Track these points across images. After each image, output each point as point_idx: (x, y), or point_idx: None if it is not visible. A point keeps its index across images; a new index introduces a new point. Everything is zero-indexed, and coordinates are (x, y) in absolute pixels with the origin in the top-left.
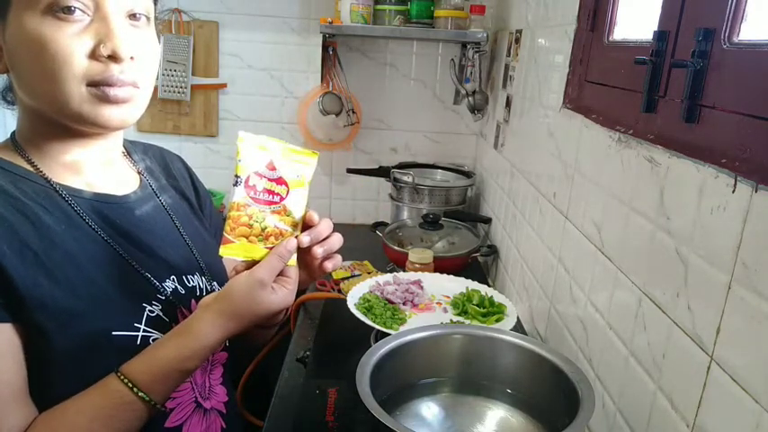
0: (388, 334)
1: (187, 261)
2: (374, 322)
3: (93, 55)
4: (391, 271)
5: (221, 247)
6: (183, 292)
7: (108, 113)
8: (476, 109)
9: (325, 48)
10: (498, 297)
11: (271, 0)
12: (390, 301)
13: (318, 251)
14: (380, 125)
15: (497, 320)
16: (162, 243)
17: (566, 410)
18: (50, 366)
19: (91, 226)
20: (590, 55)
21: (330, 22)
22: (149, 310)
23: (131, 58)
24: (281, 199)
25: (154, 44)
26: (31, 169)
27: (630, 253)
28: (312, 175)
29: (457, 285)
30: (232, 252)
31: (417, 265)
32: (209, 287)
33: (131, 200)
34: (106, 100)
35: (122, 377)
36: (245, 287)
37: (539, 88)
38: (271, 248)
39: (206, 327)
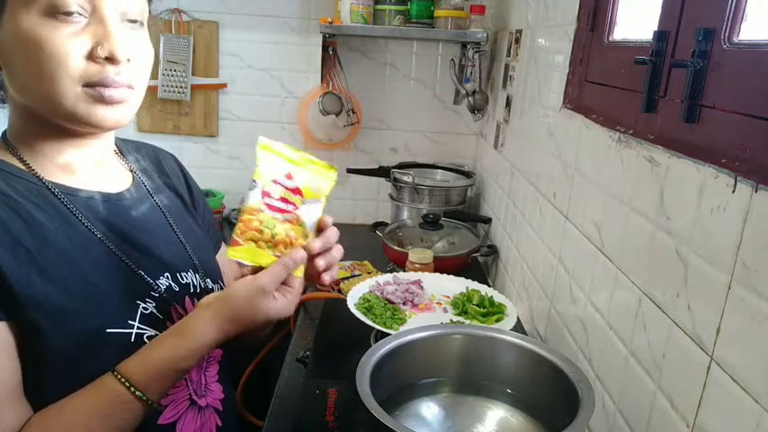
0: (388, 334)
1: (181, 258)
2: (374, 322)
3: (91, 56)
4: (391, 271)
5: (229, 248)
6: (177, 289)
7: (102, 114)
8: (476, 109)
9: (325, 48)
10: (498, 297)
11: (271, 0)
12: (390, 301)
13: (320, 263)
14: (380, 125)
15: (497, 320)
16: (156, 241)
17: (566, 410)
18: (45, 365)
19: (84, 224)
20: (590, 55)
21: (330, 22)
22: (143, 308)
23: (128, 60)
24: (295, 208)
25: (148, 46)
26: (24, 168)
27: (630, 253)
28: (330, 190)
29: (457, 285)
30: (239, 255)
31: (417, 265)
32: (202, 284)
33: (124, 198)
34: (101, 100)
35: (119, 376)
36: (245, 292)
37: (539, 88)
38: (278, 257)
39: (203, 327)
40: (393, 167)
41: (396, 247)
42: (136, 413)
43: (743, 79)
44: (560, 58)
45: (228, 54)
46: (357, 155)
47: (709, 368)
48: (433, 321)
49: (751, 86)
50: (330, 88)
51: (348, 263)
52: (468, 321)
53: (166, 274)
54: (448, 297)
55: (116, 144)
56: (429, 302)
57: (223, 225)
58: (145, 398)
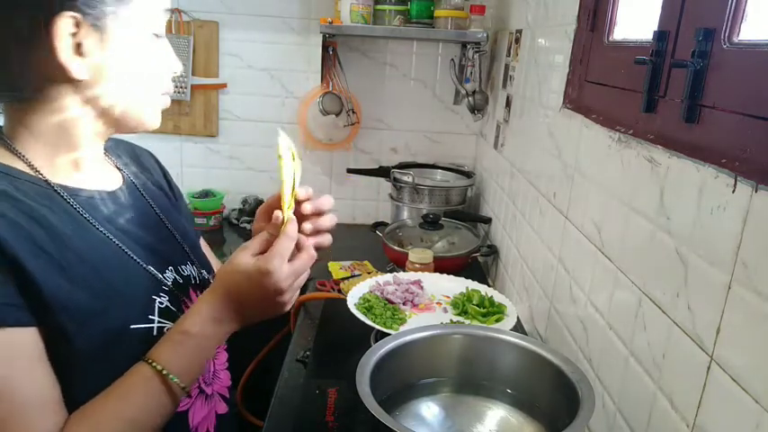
0: (388, 334)
1: (177, 252)
2: (374, 322)
3: (167, 71)
4: (391, 271)
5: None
6: (182, 281)
7: (159, 119)
8: (476, 109)
9: (325, 48)
10: (498, 297)
11: (271, 0)
12: (390, 301)
13: (306, 227)
14: (380, 125)
15: (497, 320)
16: (154, 237)
17: (566, 410)
18: (71, 368)
19: (93, 224)
20: (590, 55)
21: (330, 22)
22: (159, 302)
23: None
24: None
25: None
26: (29, 170)
27: (630, 253)
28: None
29: (457, 285)
30: None
31: (417, 265)
32: (199, 276)
33: (120, 196)
34: (164, 107)
35: (153, 363)
36: (255, 277)
37: (539, 88)
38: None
39: (227, 314)
40: (393, 167)
41: (396, 247)
42: (173, 399)
43: (743, 79)
44: (560, 58)
45: (228, 54)
46: (357, 155)
47: (709, 368)
48: (433, 321)
49: (751, 86)
50: (330, 88)
51: (348, 263)
52: (468, 321)
53: (170, 267)
54: (448, 297)
55: None
56: (429, 302)
57: (223, 225)
58: (182, 385)
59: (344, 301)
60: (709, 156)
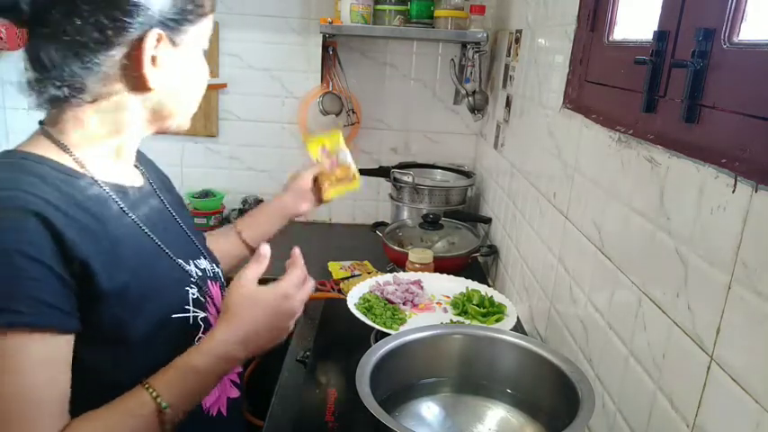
0: (388, 334)
1: (192, 247)
2: (374, 322)
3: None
4: (391, 271)
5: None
6: (201, 274)
7: (190, 122)
8: (476, 109)
9: (325, 48)
10: (498, 297)
11: (271, 0)
12: (390, 301)
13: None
14: (380, 125)
15: (497, 320)
16: (172, 232)
17: (566, 410)
18: (125, 352)
19: (133, 219)
20: (590, 55)
21: (330, 22)
22: (191, 293)
23: None
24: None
25: None
26: (76, 165)
27: (630, 253)
28: (338, 143)
29: (457, 285)
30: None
31: (417, 265)
32: (212, 269)
33: (144, 193)
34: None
35: (150, 389)
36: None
37: (539, 88)
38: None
39: (236, 353)
40: (393, 167)
41: (396, 247)
42: (162, 426)
43: (743, 79)
44: (560, 58)
45: (228, 54)
46: (357, 155)
47: (709, 368)
48: (433, 321)
49: (751, 86)
50: (330, 88)
51: (348, 263)
52: (468, 321)
53: (190, 261)
54: (448, 297)
55: None
56: (429, 302)
57: (223, 225)
58: (171, 413)
59: (344, 301)
60: (709, 156)
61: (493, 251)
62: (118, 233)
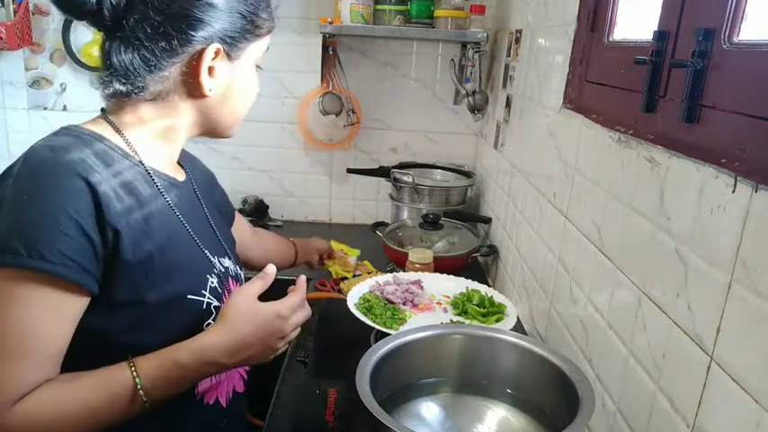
0: (388, 334)
1: (219, 246)
2: (374, 322)
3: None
4: (391, 271)
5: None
6: (224, 270)
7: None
8: (476, 109)
9: (325, 48)
10: (498, 297)
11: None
12: (390, 301)
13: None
14: (380, 125)
15: (497, 320)
16: (203, 227)
17: (566, 410)
18: (140, 318)
19: (170, 206)
20: (590, 55)
21: (330, 22)
22: (210, 281)
23: None
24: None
25: None
26: (128, 149)
27: (630, 253)
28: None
29: (457, 285)
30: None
31: (417, 265)
32: (236, 270)
33: (185, 187)
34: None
35: (133, 369)
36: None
37: (539, 88)
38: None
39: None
40: (393, 167)
41: (396, 247)
42: (135, 407)
43: (743, 79)
44: (560, 58)
45: None
46: (357, 155)
47: (709, 368)
48: (433, 321)
49: (751, 86)
50: (330, 88)
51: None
52: (468, 321)
53: (215, 256)
54: (448, 297)
55: None
56: (429, 302)
57: None
58: (144, 398)
59: (344, 301)
60: (709, 156)
61: (493, 251)
62: (152, 211)
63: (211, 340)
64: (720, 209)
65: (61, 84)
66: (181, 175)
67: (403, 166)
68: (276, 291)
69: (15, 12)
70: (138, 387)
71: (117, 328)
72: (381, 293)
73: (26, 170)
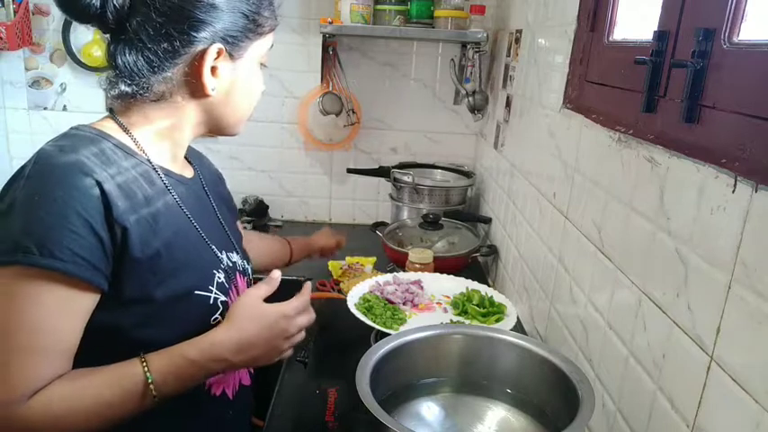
0: (388, 334)
1: (227, 241)
2: (374, 322)
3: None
4: (391, 271)
5: None
6: (231, 264)
7: (242, 129)
8: (476, 109)
9: (325, 48)
10: (498, 297)
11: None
12: (390, 301)
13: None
14: (380, 125)
15: (497, 320)
16: (211, 224)
17: (566, 410)
18: (149, 314)
19: (177, 202)
20: (590, 55)
21: (330, 22)
22: (218, 277)
23: None
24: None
25: None
26: (136, 147)
27: (630, 253)
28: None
29: (457, 285)
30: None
31: (417, 265)
32: (244, 265)
33: (192, 184)
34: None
35: (145, 365)
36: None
37: (539, 88)
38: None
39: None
40: (393, 167)
41: (396, 247)
42: (146, 402)
43: (743, 79)
44: (560, 58)
45: None
46: (357, 155)
47: (709, 368)
48: (433, 321)
49: (751, 86)
50: (330, 88)
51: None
52: (468, 321)
53: (223, 251)
54: (448, 297)
55: None
56: (429, 302)
57: None
58: (153, 393)
59: (344, 301)
60: (709, 156)
61: (493, 251)
62: (159, 208)
63: (219, 337)
64: (720, 209)
65: (61, 84)
66: (189, 172)
67: (403, 166)
68: (279, 288)
69: (15, 12)
70: (150, 382)
71: (127, 323)
72: (381, 293)
73: (36, 171)
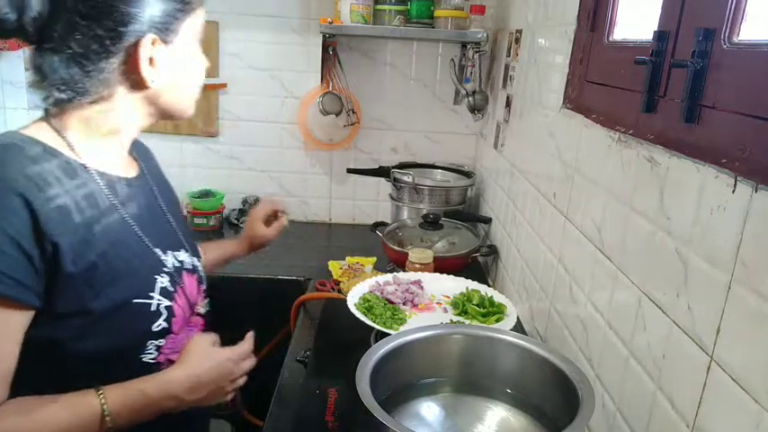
0: (388, 334)
1: (174, 238)
2: (374, 322)
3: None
4: (391, 271)
5: None
6: (178, 265)
7: (194, 108)
8: (476, 109)
9: (325, 48)
10: (498, 297)
11: (271, 0)
12: (390, 301)
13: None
14: (380, 125)
15: (497, 320)
16: (157, 223)
17: (566, 410)
18: (87, 325)
19: (114, 205)
20: (590, 55)
21: (330, 22)
22: (160, 281)
23: None
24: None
25: None
26: (71, 153)
27: (630, 253)
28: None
29: (457, 285)
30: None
31: (417, 265)
32: (192, 262)
33: (135, 183)
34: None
35: (101, 396)
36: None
37: (539, 88)
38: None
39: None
40: (393, 167)
41: (396, 247)
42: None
43: (743, 79)
44: (560, 58)
45: (228, 54)
46: (357, 155)
47: (709, 368)
48: (433, 321)
49: (751, 86)
50: (330, 88)
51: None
52: (468, 321)
53: (168, 252)
54: (448, 297)
55: None
56: (429, 302)
57: (223, 225)
58: (109, 425)
59: (344, 301)
60: (709, 156)
61: (493, 251)
62: (96, 216)
63: (176, 375)
64: (720, 209)
65: None
66: (133, 170)
67: (403, 166)
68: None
69: None
70: (106, 414)
71: (65, 336)
72: (381, 293)
73: None
